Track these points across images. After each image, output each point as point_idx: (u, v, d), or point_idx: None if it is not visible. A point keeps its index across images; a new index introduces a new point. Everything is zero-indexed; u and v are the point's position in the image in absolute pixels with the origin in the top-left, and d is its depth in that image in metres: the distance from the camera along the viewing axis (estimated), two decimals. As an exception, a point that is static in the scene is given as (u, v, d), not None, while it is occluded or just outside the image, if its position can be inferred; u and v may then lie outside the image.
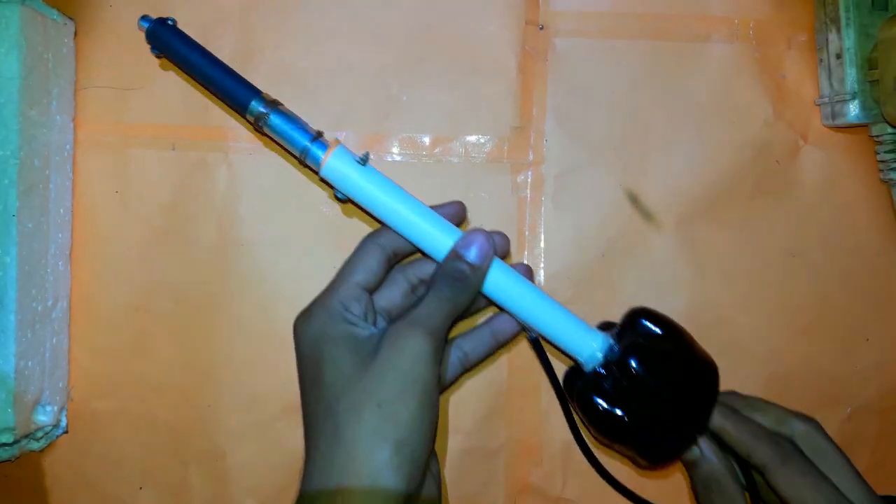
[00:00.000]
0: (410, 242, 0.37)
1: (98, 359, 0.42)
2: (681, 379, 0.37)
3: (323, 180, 0.38)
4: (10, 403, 0.36)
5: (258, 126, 0.37)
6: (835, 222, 0.42)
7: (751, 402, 0.38)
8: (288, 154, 0.40)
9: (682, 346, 0.38)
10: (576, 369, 0.39)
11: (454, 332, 0.40)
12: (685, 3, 0.42)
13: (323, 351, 0.34)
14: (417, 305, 0.35)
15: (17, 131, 0.37)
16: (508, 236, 0.39)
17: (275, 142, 0.38)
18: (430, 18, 0.42)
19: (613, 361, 0.37)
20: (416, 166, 0.42)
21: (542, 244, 0.42)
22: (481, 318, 0.41)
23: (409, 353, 0.33)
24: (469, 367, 0.40)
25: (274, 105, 0.37)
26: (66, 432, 0.41)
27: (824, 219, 0.42)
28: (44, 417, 0.39)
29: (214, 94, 0.39)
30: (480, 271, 0.36)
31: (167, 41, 0.38)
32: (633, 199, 0.42)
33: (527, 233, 0.42)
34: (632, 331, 0.38)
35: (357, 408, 0.32)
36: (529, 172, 0.42)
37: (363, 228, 0.42)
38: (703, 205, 0.42)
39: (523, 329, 0.39)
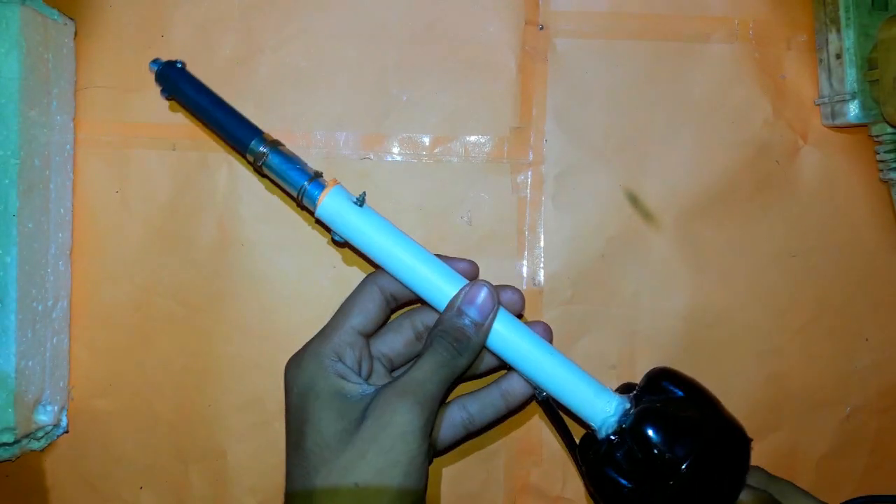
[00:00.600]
0: (410, 290, 0.35)
1: (98, 359, 0.42)
2: (704, 451, 0.33)
3: (319, 222, 0.37)
4: (10, 403, 0.36)
5: (258, 167, 0.37)
6: (834, 222, 0.42)
7: (783, 487, 0.35)
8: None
9: (708, 412, 0.34)
10: (591, 436, 0.36)
11: (460, 389, 0.39)
12: (685, 3, 0.42)
13: (308, 410, 0.32)
14: (411, 368, 0.33)
15: (17, 131, 0.37)
16: (520, 291, 0.37)
17: (275, 184, 0.38)
18: (430, 18, 0.42)
19: (628, 429, 0.33)
20: (416, 166, 0.42)
21: (542, 244, 0.42)
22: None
23: (396, 428, 0.30)
24: (474, 432, 0.37)
25: (274, 145, 0.37)
26: (66, 432, 0.41)
27: (824, 219, 0.42)
28: (44, 417, 0.39)
29: (219, 136, 0.39)
30: (483, 329, 0.33)
31: (175, 82, 0.38)
32: (633, 199, 0.42)
33: (527, 233, 0.42)
34: (651, 394, 0.34)
35: (334, 487, 0.30)
36: (529, 172, 0.42)
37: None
38: (703, 205, 0.42)
39: (534, 389, 0.36)
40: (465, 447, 0.41)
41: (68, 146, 0.41)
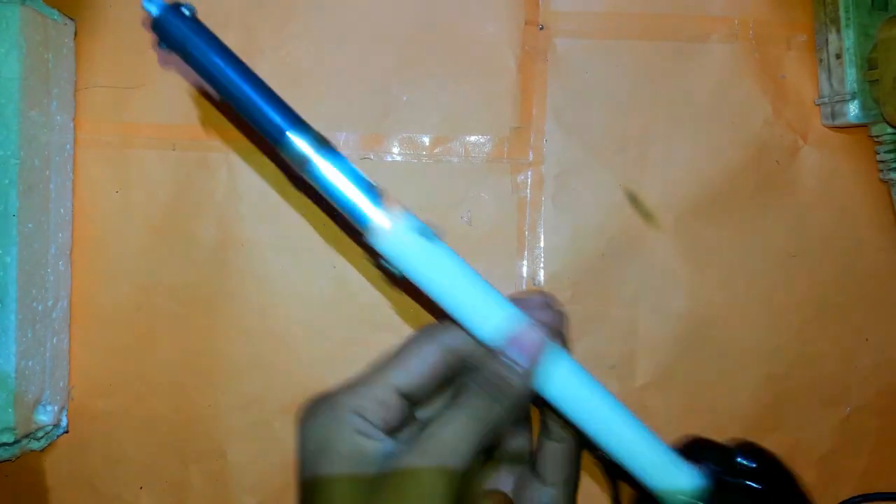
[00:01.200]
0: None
1: (98, 359, 0.42)
2: None
3: (367, 247, 0.30)
4: (10, 403, 0.36)
5: (296, 166, 0.28)
6: (834, 222, 0.42)
7: None
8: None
9: (793, 498, 0.30)
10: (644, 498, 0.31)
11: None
12: (685, 3, 0.42)
13: (319, 472, 0.27)
14: (435, 422, 0.27)
15: (17, 131, 0.37)
16: (558, 308, 0.31)
17: (315, 191, 0.30)
18: (429, 18, 0.42)
19: None
20: (415, 166, 0.42)
21: (542, 244, 0.42)
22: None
23: (415, 500, 0.25)
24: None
25: (322, 143, 0.28)
26: (66, 432, 0.41)
27: (824, 219, 0.42)
28: (44, 417, 0.39)
29: (240, 115, 0.29)
30: (529, 377, 0.28)
31: (181, 38, 0.27)
32: (633, 199, 0.42)
33: (527, 233, 0.42)
34: (724, 466, 0.30)
35: None
36: (529, 172, 0.42)
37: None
38: (703, 205, 0.42)
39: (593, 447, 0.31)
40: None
41: (68, 146, 0.41)
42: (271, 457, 0.41)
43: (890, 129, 0.39)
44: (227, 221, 0.41)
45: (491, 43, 0.42)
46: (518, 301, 0.29)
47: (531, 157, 0.42)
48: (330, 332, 0.41)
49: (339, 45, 0.42)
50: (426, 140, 0.42)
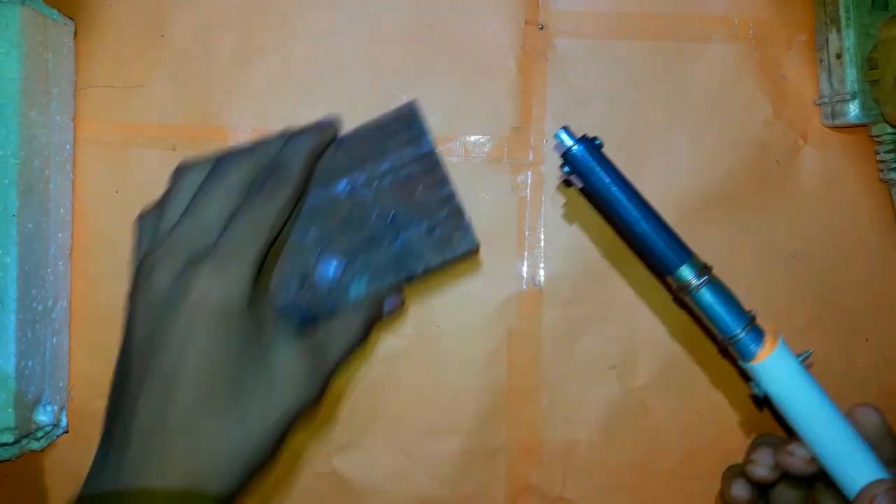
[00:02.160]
0: (828, 469, 0.32)
1: (98, 359, 0.42)
2: None
3: (741, 370, 0.34)
4: (10, 403, 0.36)
5: (679, 294, 0.33)
6: (835, 222, 0.42)
7: None
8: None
9: None
10: None
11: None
12: (685, 3, 0.42)
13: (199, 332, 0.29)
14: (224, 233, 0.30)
15: (17, 131, 0.37)
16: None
17: (694, 315, 0.35)
18: (430, 18, 0.42)
19: None
20: (416, 166, 0.42)
21: (542, 244, 0.42)
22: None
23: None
24: None
25: (705, 272, 0.33)
26: (66, 432, 0.41)
27: (824, 219, 0.42)
28: (44, 417, 0.39)
29: (634, 245, 0.35)
30: None
31: (590, 167, 0.33)
32: (633, 199, 0.42)
33: (527, 233, 0.42)
34: None
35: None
36: (529, 172, 0.42)
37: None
38: (703, 204, 0.42)
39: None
40: (465, 447, 0.41)
41: (68, 146, 0.41)
42: (271, 457, 0.41)
43: (890, 129, 0.39)
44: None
45: (491, 43, 0.42)
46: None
47: (531, 157, 0.42)
48: (330, 332, 0.41)
49: (339, 45, 0.42)
50: (426, 140, 0.42)
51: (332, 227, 0.36)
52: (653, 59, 0.42)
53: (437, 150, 0.36)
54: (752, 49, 0.42)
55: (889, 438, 0.32)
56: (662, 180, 0.42)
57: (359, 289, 0.35)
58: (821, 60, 0.41)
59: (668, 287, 0.35)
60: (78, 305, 0.41)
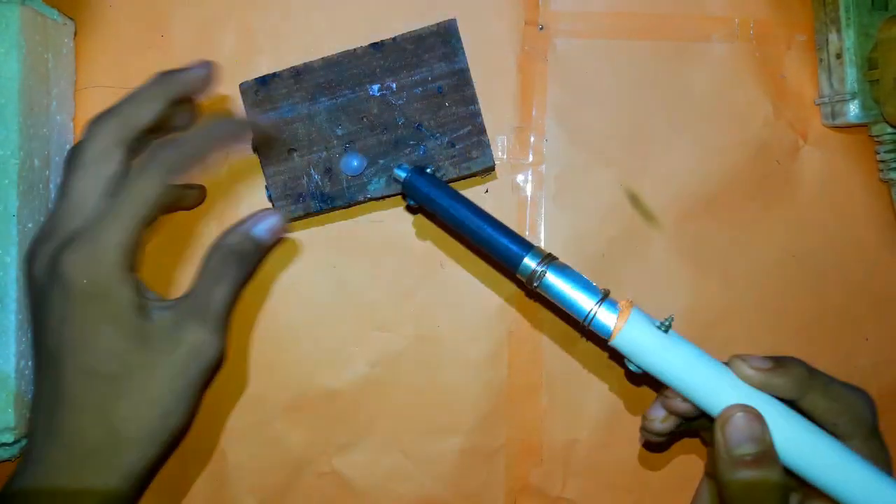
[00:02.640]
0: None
1: (98, 359, 0.41)
2: None
3: (612, 351, 0.34)
4: (10, 403, 0.36)
5: (531, 286, 0.34)
6: (835, 222, 0.42)
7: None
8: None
9: None
10: None
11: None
12: (685, 3, 0.42)
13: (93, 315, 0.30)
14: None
15: (17, 131, 0.37)
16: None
17: (551, 305, 0.35)
18: (429, 19, 0.42)
19: None
20: (416, 166, 0.42)
21: (542, 244, 0.42)
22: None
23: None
24: None
25: (550, 260, 0.34)
26: (66, 432, 0.41)
27: (824, 219, 0.42)
28: (44, 417, 0.39)
29: (480, 249, 0.37)
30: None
31: (424, 191, 0.36)
32: (633, 199, 0.42)
33: (527, 233, 0.42)
34: None
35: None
36: (529, 172, 0.42)
37: (392, 237, 0.41)
38: (704, 205, 0.42)
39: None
40: (465, 447, 0.41)
41: (68, 146, 0.41)
42: (271, 457, 0.41)
43: (890, 129, 0.39)
44: (227, 221, 0.41)
45: (491, 43, 0.42)
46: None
47: (531, 157, 0.42)
48: (330, 332, 0.41)
49: (339, 45, 0.41)
50: (426, 140, 0.42)
51: (359, 126, 0.38)
52: (653, 59, 0.42)
53: (468, 69, 0.38)
54: (752, 49, 0.42)
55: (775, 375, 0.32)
56: (662, 180, 0.42)
57: (377, 187, 0.38)
58: (821, 60, 0.41)
59: (521, 286, 0.35)
60: (78, 305, 0.41)
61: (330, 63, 0.39)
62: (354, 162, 0.37)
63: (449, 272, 0.41)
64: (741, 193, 0.42)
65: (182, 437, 0.32)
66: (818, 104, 0.42)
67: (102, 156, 0.31)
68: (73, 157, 0.32)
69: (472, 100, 0.39)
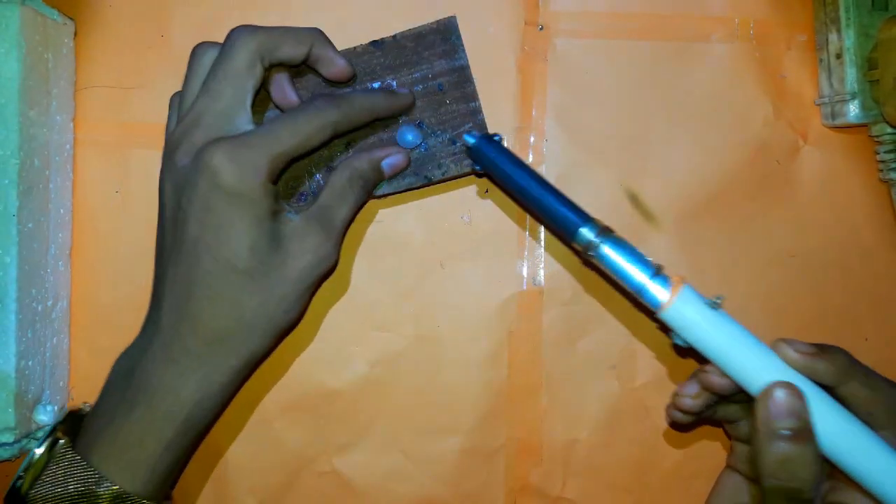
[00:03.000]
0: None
1: (98, 359, 0.41)
2: None
3: (660, 323, 0.34)
4: (10, 403, 0.36)
5: (586, 255, 0.35)
6: (835, 222, 0.42)
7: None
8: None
9: None
10: None
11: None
12: (685, 3, 0.42)
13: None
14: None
15: (17, 131, 0.37)
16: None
17: (605, 277, 0.36)
18: (429, 19, 0.42)
19: None
20: (416, 166, 0.42)
21: (542, 244, 0.42)
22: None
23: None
24: None
25: (607, 233, 0.34)
26: (66, 432, 0.41)
27: (824, 219, 0.42)
28: (44, 417, 0.39)
29: (538, 216, 0.39)
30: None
31: (493, 159, 0.36)
32: (633, 199, 0.42)
33: (527, 233, 0.42)
34: None
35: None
36: (529, 172, 0.42)
37: (392, 236, 0.41)
38: (703, 205, 0.42)
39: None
40: (465, 447, 0.41)
41: (68, 146, 0.41)
42: (271, 457, 0.41)
43: (890, 129, 0.39)
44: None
45: (491, 43, 0.42)
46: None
47: (531, 157, 0.42)
48: (330, 332, 0.41)
49: (339, 45, 0.41)
50: (426, 140, 0.42)
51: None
52: (653, 59, 0.42)
53: (468, 66, 0.38)
54: (752, 49, 0.42)
55: (817, 362, 0.32)
56: (662, 180, 0.42)
57: (380, 186, 0.39)
58: (821, 60, 0.41)
59: (577, 254, 0.36)
60: (78, 305, 0.41)
61: None
62: (409, 136, 0.38)
63: (449, 272, 0.41)
64: (741, 193, 0.42)
65: (290, 332, 0.36)
66: (818, 104, 0.42)
67: (249, 69, 0.34)
68: (220, 61, 0.35)
69: (473, 96, 0.39)
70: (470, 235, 0.42)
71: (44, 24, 0.38)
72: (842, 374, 0.32)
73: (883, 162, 0.41)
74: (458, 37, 0.38)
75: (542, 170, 0.42)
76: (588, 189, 0.42)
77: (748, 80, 0.42)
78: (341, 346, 0.41)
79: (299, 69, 0.39)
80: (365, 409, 0.41)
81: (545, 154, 0.42)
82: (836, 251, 0.42)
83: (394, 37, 0.39)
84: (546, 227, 0.41)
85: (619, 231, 0.41)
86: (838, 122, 0.41)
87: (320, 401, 0.41)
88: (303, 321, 0.41)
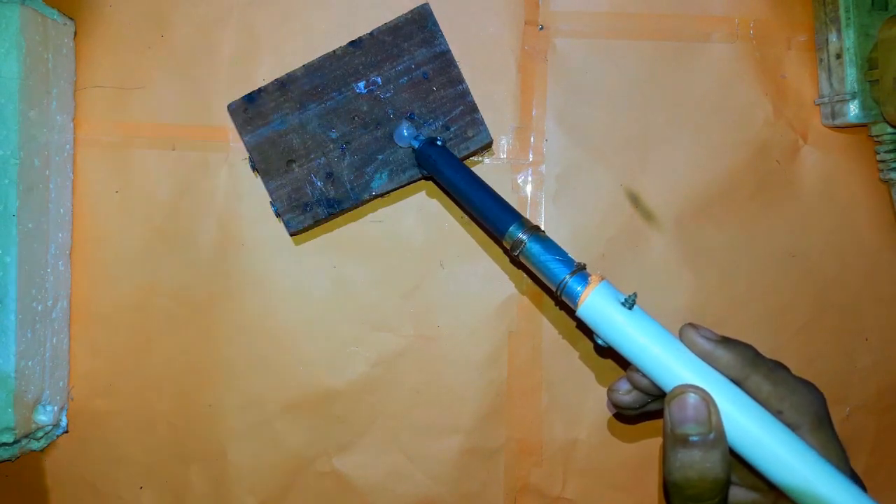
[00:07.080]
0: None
1: (98, 359, 0.42)
2: None
3: (579, 321, 0.34)
4: (10, 403, 0.36)
5: (514, 254, 0.35)
6: (835, 222, 0.42)
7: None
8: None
9: None
10: None
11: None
12: (685, 3, 0.42)
13: None
14: None
15: (17, 131, 0.37)
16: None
17: (531, 274, 0.37)
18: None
19: None
20: (416, 166, 0.42)
21: (542, 244, 0.42)
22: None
23: None
24: None
25: (534, 232, 0.35)
26: (66, 432, 0.41)
27: (824, 219, 0.42)
28: (44, 417, 0.39)
29: (474, 217, 0.39)
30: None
31: (434, 161, 0.37)
32: (633, 199, 0.42)
33: (527, 233, 0.42)
34: None
35: None
36: (529, 172, 0.42)
37: (392, 236, 0.41)
38: (703, 205, 0.42)
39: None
40: (465, 447, 0.41)
41: (68, 146, 0.41)
42: (271, 457, 0.41)
43: (890, 129, 0.39)
44: (227, 221, 0.41)
45: (491, 43, 0.42)
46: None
47: (531, 157, 0.42)
48: (330, 332, 0.41)
49: (339, 45, 0.41)
50: (426, 140, 0.42)
51: (352, 126, 0.39)
52: (653, 59, 0.42)
53: (449, 50, 0.38)
54: (752, 49, 0.42)
55: (722, 349, 0.32)
56: (663, 180, 0.42)
57: (380, 183, 0.39)
58: (821, 60, 0.41)
59: (506, 252, 0.36)
60: (78, 305, 0.41)
61: (312, 68, 0.39)
62: (405, 131, 0.38)
63: (449, 272, 0.41)
64: (741, 193, 0.42)
65: None
66: (818, 104, 0.42)
67: None
68: None
69: (459, 79, 0.39)
70: (470, 235, 0.42)
71: (44, 24, 0.38)
72: (745, 366, 0.31)
73: (883, 162, 0.41)
74: (435, 23, 0.38)
75: (542, 169, 0.42)
76: (588, 189, 0.42)
77: (748, 80, 0.42)
78: (341, 346, 0.41)
79: (291, 73, 0.39)
80: (365, 409, 0.41)
81: (545, 154, 0.42)
82: (836, 251, 0.42)
83: (371, 34, 0.38)
84: (482, 228, 0.41)
85: (619, 231, 0.42)
86: (838, 122, 0.41)
87: (320, 401, 0.41)
88: (303, 321, 0.41)
